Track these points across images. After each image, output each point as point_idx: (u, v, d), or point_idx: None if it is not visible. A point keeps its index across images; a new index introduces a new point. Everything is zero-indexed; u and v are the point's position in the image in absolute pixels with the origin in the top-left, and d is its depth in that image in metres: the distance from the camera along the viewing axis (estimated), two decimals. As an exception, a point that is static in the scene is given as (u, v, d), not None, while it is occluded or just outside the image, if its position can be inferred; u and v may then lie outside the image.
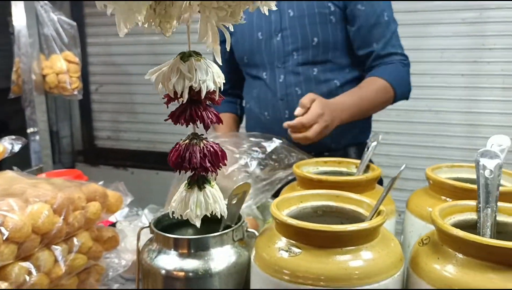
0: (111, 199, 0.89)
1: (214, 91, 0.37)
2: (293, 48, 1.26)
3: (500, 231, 0.64)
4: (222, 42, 1.42)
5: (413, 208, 0.78)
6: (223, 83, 1.41)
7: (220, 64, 0.38)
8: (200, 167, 0.38)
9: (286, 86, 1.28)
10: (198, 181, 0.40)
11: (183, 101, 0.37)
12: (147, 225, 0.76)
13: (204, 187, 0.41)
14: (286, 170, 0.94)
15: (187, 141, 0.40)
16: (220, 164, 0.39)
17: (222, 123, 0.41)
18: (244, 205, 0.95)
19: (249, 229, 0.74)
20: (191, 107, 0.37)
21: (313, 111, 1.04)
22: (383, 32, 1.24)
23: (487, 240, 0.52)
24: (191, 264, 0.70)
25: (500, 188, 0.65)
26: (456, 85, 2.28)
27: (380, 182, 1.03)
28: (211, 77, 0.36)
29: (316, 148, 1.18)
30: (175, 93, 0.36)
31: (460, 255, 0.55)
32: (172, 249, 0.72)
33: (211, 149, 0.38)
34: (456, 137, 2.30)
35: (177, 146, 0.41)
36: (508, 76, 2.20)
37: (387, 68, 1.25)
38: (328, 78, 1.27)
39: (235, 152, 0.94)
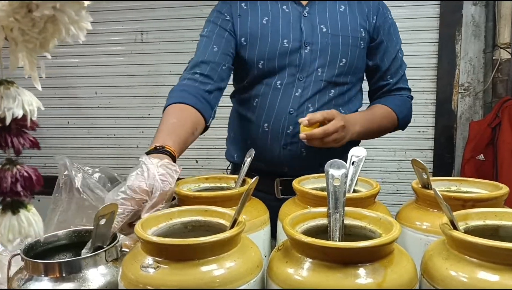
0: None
1: (24, 118, 0.39)
2: (319, 64, 1.23)
3: (348, 233, 0.71)
4: (203, 36, 1.29)
5: (282, 218, 0.85)
6: (212, 68, 1.21)
7: (40, 89, 0.40)
8: (10, 192, 0.39)
9: (301, 100, 1.24)
10: (12, 206, 0.42)
11: None
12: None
13: (18, 212, 0.42)
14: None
15: (0, 166, 0.41)
16: (34, 188, 0.41)
17: (39, 148, 0.42)
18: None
19: (123, 249, 0.76)
20: (1, 133, 0.38)
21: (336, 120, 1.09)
22: (399, 68, 1.33)
23: (323, 242, 0.59)
24: (63, 287, 0.70)
25: (347, 195, 0.73)
26: (350, 102, 2.46)
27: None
28: (20, 104, 0.38)
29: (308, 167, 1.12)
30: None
31: (304, 257, 0.60)
32: (43, 275, 0.71)
33: (25, 173, 0.40)
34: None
35: (-9, 171, 0.42)
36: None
37: (395, 99, 1.33)
38: (339, 102, 1.28)
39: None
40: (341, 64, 1.24)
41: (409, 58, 2.39)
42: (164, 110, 1.11)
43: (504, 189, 0.79)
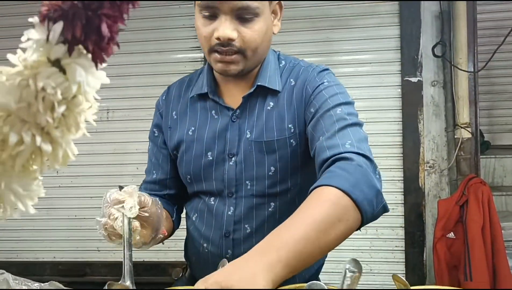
0: None
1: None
2: (247, 177, 1.07)
3: None
4: (149, 151, 1.22)
5: None
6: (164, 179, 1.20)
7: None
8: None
9: (235, 221, 1.08)
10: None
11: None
12: None
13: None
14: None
15: None
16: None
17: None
18: None
19: None
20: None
21: None
22: (333, 124, 0.95)
23: None
24: None
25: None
26: (319, 180, 2.46)
27: None
28: None
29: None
30: None
31: None
32: None
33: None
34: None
35: None
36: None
37: (338, 169, 0.84)
38: (286, 214, 0.92)
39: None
40: (270, 173, 1.06)
41: (375, 136, 2.46)
42: None
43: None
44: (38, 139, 0.32)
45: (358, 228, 0.81)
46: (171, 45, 2.67)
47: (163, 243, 1.08)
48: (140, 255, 2.64)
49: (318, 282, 0.69)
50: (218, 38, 0.96)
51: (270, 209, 1.07)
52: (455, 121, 2.35)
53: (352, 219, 0.78)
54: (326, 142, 0.92)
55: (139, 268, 2.61)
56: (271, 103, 1.07)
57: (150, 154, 1.21)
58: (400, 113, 2.42)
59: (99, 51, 0.34)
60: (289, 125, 1.05)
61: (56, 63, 0.33)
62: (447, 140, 2.39)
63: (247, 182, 1.07)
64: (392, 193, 2.44)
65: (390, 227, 2.43)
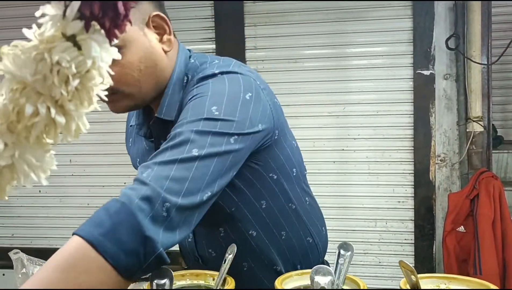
0: None
1: None
2: None
3: None
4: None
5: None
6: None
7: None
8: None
9: (198, 248, 1.09)
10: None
11: None
12: None
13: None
14: None
15: None
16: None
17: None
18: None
19: None
20: None
21: None
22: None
23: None
24: None
25: (334, 304, 0.68)
26: (328, 172, 2.46)
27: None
28: None
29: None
30: None
31: None
32: None
33: None
34: (330, 219, 2.44)
35: None
36: (372, 162, 2.44)
37: (98, 212, 0.74)
38: (240, 234, 1.02)
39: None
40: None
41: (386, 129, 2.45)
42: None
43: (496, 291, 0.76)
44: (53, 111, 0.33)
45: (130, 277, 0.68)
46: (182, 36, 2.66)
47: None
48: (151, 244, 2.67)
49: (324, 266, 0.70)
50: None
51: (222, 235, 1.03)
52: (467, 115, 2.33)
53: (97, 273, 0.66)
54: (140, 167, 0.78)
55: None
56: None
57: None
58: (412, 106, 2.40)
59: (114, 28, 0.35)
60: None
61: (71, 38, 0.34)
62: (459, 134, 2.37)
63: None
64: (403, 186, 2.43)
65: (399, 220, 2.43)
